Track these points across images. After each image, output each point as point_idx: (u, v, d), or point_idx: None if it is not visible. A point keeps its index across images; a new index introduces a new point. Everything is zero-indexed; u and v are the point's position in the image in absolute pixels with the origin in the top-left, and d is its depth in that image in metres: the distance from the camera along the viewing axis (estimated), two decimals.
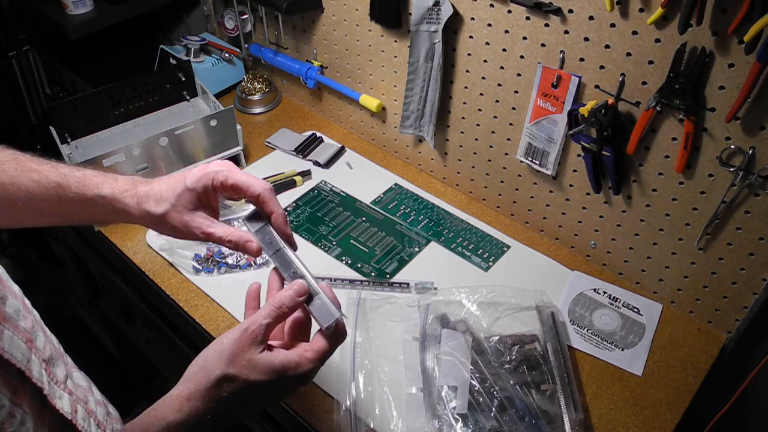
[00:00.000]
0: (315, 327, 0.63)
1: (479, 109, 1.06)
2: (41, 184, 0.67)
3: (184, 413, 0.56)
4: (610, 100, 0.85)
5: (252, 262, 1.03)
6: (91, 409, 0.54)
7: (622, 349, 0.92)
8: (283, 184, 1.17)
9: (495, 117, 1.04)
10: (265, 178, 1.17)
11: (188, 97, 1.31)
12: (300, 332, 0.63)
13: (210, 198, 0.69)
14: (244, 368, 0.56)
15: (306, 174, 1.20)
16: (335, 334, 0.61)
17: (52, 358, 0.51)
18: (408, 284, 0.98)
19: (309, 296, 0.61)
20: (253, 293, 0.65)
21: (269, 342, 0.58)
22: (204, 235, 0.68)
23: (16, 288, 0.51)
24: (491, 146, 1.08)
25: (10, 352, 0.44)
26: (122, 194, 0.68)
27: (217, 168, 0.67)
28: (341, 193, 1.18)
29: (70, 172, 0.69)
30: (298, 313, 0.62)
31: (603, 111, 0.86)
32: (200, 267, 1.01)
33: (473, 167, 1.14)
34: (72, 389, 0.52)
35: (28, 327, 0.48)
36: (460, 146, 1.14)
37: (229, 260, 1.02)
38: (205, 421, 0.56)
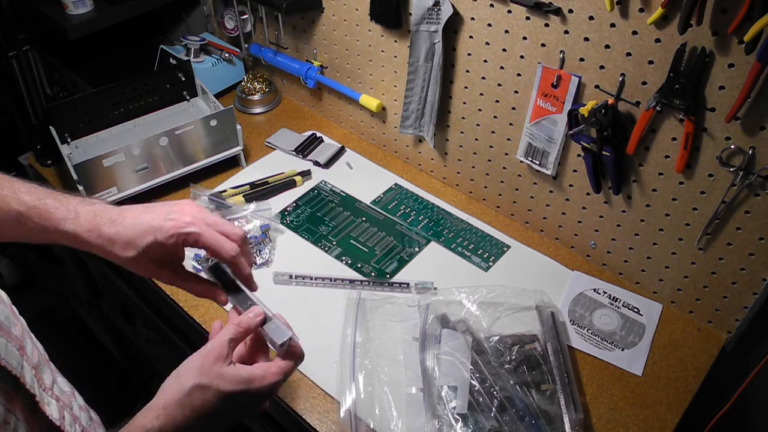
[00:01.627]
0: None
1: (479, 109, 1.06)
2: (2, 210, 0.66)
3: (161, 421, 0.59)
4: (610, 100, 0.85)
5: (252, 263, 1.03)
6: (76, 414, 0.55)
7: (622, 349, 0.92)
8: (283, 184, 1.17)
9: (495, 117, 1.04)
10: (265, 178, 1.18)
11: (188, 97, 1.31)
12: (260, 351, 0.67)
13: (179, 251, 0.69)
14: (214, 379, 0.59)
15: (306, 174, 1.20)
16: (293, 354, 0.65)
17: (40, 364, 0.52)
18: (408, 284, 0.98)
19: (264, 320, 0.66)
20: (216, 328, 0.68)
21: (233, 360, 0.62)
22: (175, 286, 0.72)
23: (4, 295, 0.51)
24: (491, 146, 1.08)
25: (6, 359, 0.44)
26: (85, 233, 0.67)
27: (188, 223, 0.67)
28: (341, 193, 1.18)
29: (32, 200, 0.66)
30: (257, 334, 0.66)
31: (603, 111, 0.86)
32: (200, 267, 1.01)
33: (473, 167, 1.14)
34: (59, 395, 0.53)
35: (18, 334, 0.48)
36: (460, 146, 1.14)
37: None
38: (180, 429, 0.59)
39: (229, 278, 0.72)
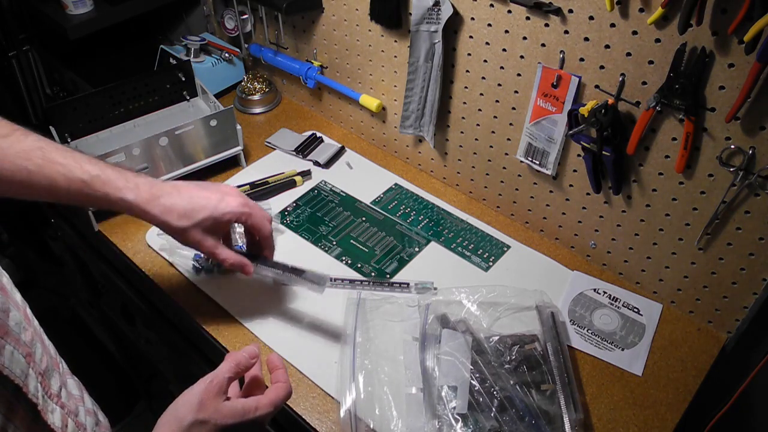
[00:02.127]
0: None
1: (479, 109, 1.06)
2: (67, 178, 0.72)
3: None
4: (610, 100, 0.85)
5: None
6: (81, 421, 0.55)
7: (622, 349, 0.92)
8: (283, 184, 1.17)
9: (495, 117, 1.04)
10: (265, 178, 1.18)
11: (188, 97, 1.31)
12: (255, 388, 0.71)
13: (226, 227, 0.83)
14: (212, 414, 0.62)
15: (306, 174, 1.20)
16: (282, 388, 0.68)
17: (48, 369, 0.52)
18: (408, 284, 0.98)
19: (300, 270, 0.86)
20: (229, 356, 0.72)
21: (228, 395, 0.66)
22: (211, 255, 0.82)
23: (18, 297, 0.51)
24: (491, 146, 1.08)
25: (10, 368, 0.45)
26: (145, 203, 0.76)
27: (243, 205, 0.81)
28: (341, 193, 1.18)
29: (94, 169, 0.74)
30: (253, 371, 0.71)
31: (603, 111, 0.86)
32: (200, 266, 1.01)
33: (473, 167, 1.14)
34: (65, 401, 0.53)
35: (28, 340, 0.48)
36: (460, 146, 1.14)
37: None
38: None
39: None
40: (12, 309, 0.47)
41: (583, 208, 1.02)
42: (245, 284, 0.99)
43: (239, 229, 0.94)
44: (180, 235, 0.79)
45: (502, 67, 0.98)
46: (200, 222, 0.78)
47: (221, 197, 0.80)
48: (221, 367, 0.67)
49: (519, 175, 1.07)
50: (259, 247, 0.88)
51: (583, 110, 0.88)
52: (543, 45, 0.91)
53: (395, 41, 1.11)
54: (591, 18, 0.83)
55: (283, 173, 1.20)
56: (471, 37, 0.99)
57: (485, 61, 1.00)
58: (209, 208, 0.78)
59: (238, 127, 1.17)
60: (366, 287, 0.98)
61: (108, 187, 0.75)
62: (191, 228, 0.78)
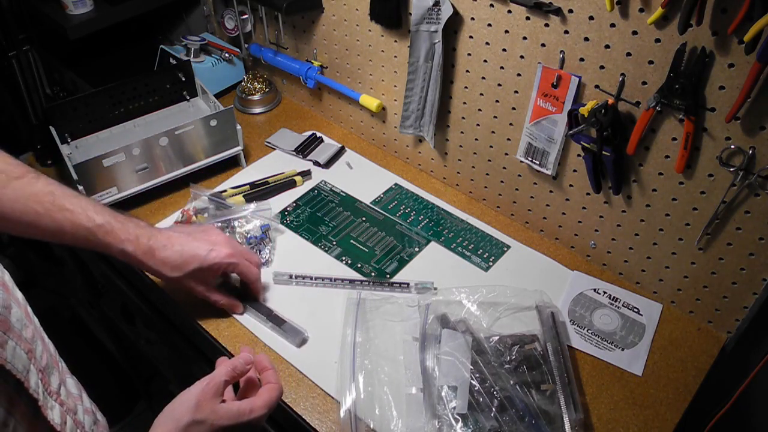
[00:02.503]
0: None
1: (479, 109, 1.06)
2: (73, 224, 0.78)
3: None
4: (610, 100, 0.85)
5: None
6: (79, 420, 0.56)
7: (622, 349, 0.92)
8: (283, 184, 1.17)
9: (495, 117, 1.04)
10: (265, 178, 1.18)
11: (188, 97, 1.31)
12: (251, 390, 0.74)
13: (215, 275, 0.89)
14: (209, 415, 0.64)
15: (306, 174, 1.20)
16: (275, 389, 0.72)
17: (48, 367, 0.52)
18: (408, 284, 0.98)
19: (281, 320, 0.93)
20: (221, 361, 0.75)
21: (224, 398, 0.69)
22: (204, 299, 0.91)
23: (20, 295, 0.51)
24: (491, 146, 1.08)
25: (12, 363, 0.45)
26: (142, 255, 0.83)
27: (230, 255, 0.87)
28: (341, 193, 1.18)
29: (98, 218, 0.80)
30: (249, 374, 0.74)
31: (603, 111, 0.86)
32: None
33: (473, 167, 1.14)
34: (64, 399, 0.54)
35: (29, 337, 0.49)
36: (460, 146, 1.14)
37: None
38: None
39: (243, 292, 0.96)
40: (14, 306, 0.48)
41: (583, 208, 1.02)
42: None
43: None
44: (173, 284, 0.87)
45: (502, 67, 0.98)
46: (191, 273, 0.86)
47: (210, 248, 0.86)
48: (218, 371, 0.69)
49: (519, 175, 1.07)
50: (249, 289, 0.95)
51: (583, 110, 0.88)
52: (543, 45, 0.91)
53: (395, 41, 1.11)
54: (591, 18, 0.83)
55: (283, 173, 1.20)
56: (471, 37, 0.99)
57: (485, 61, 1.00)
58: (198, 259, 0.85)
59: (238, 127, 1.17)
60: (366, 287, 0.98)
61: (110, 238, 0.81)
62: (183, 278, 0.86)
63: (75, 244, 0.81)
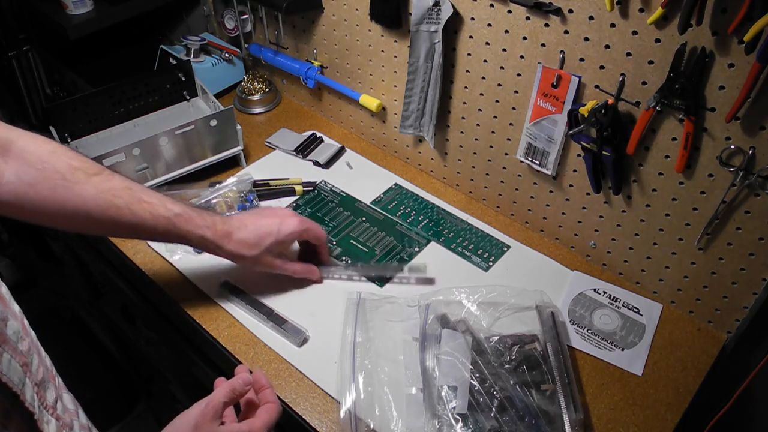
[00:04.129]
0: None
1: (479, 109, 1.06)
2: (153, 215, 0.80)
3: None
4: (610, 100, 0.85)
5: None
6: None
7: (622, 349, 0.92)
8: (282, 191, 1.16)
9: (495, 117, 1.04)
10: (266, 180, 1.18)
11: (188, 97, 1.31)
12: (250, 411, 0.73)
13: (289, 245, 0.94)
14: None
15: (309, 185, 1.18)
16: (273, 410, 0.71)
17: (44, 381, 0.52)
18: (402, 268, 1.00)
19: (282, 320, 0.93)
20: (219, 382, 0.74)
21: (223, 419, 0.69)
22: (282, 272, 0.93)
23: (17, 308, 0.51)
24: (491, 146, 1.08)
25: (8, 376, 0.44)
26: (221, 239, 0.86)
27: (301, 222, 0.92)
28: (341, 193, 1.18)
29: (176, 208, 0.83)
30: (248, 395, 0.73)
31: (603, 111, 0.86)
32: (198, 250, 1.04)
33: (473, 167, 1.14)
34: (60, 414, 0.53)
35: (25, 350, 0.48)
36: (460, 146, 1.14)
37: None
38: None
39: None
40: (10, 318, 0.47)
41: (583, 208, 1.02)
42: (244, 283, 0.99)
43: None
44: (253, 262, 0.89)
45: (502, 67, 0.98)
46: (268, 247, 0.88)
47: (281, 221, 0.90)
48: (216, 392, 0.68)
49: (519, 175, 1.07)
50: (314, 254, 0.99)
51: (583, 110, 0.88)
52: (543, 45, 0.91)
53: (395, 41, 1.11)
54: (591, 18, 0.83)
55: (288, 179, 1.19)
56: (471, 37, 0.99)
57: (485, 61, 1.00)
58: (273, 233, 0.88)
59: (238, 127, 1.17)
60: (359, 271, 1.01)
61: (190, 225, 0.83)
62: (261, 254, 0.88)
63: (154, 236, 0.83)
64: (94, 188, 0.77)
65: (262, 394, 0.72)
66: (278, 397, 0.73)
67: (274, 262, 0.91)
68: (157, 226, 0.81)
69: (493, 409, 0.79)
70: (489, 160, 1.11)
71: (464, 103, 1.07)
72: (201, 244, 0.86)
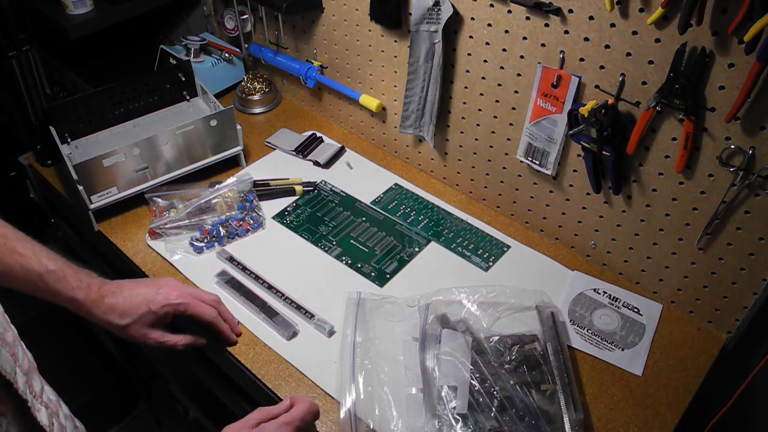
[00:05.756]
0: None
1: (479, 109, 1.06)
2: (24, 268, 0.77)
3: None
4: (610, 100, 0.85)
5: (248, 228, 1.08)
6: (62, 423, 0.56)
7: (622, 349, 0.92)
8: (282, 191, 1.16)
9: (495, 117, 1.04)
10: (264, 180, 1.18)
11: (188, 97, 1.30)
12: None
13: (166, 319, 0.86)
14: None
15: (309, 185, 1.18)
16: (308, 403, 0.73)
17: (30, 372, 0.52)
18: (313, 315, 0.95)
19: (274, 312, 0.93)
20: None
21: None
22: (159, 345, 0.86)
23: None
24: (491, 146, 1.08)
25: (1, 364, 0.45)
26: (92, 303, 0.81)
27: (178, 296, 0.85)
28: (341, 193, 1.18)
29: (51, 264, 0.79)
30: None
31: (603, 111, 0.86)
32: (200, 246, 1.05)
33: (473, 167, 1.14)
34: (47, 402, 0.54)
35: (11, 341, 0.49)
36: (460, 146, 1.14)
37: (223, 231, 1.07)
38: None
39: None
40: None
41: (583, 208, 1.02)
42: (244, 282, 0.99)
43: None
44: (122, 331, 0.84)
45: (502, 67, 0.98)
46: (140, 318, 0.83)
47: (157, 291, 0.84)
48: (254, 414, 0.71)
49: (519, 175, 1.07)
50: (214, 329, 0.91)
51: (583, 110, 0.88)
52: (543, 45, 0.91)
53: (395, 41, 1.11)
54: (591, 18, 0.83)
55: (288, 179, 1.19)
56: (471, 37, 0.99)
57: (485, 61, 1.00)
58: (146, 302, 0.83)
59: (238, 127, 1.17)
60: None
61: (60, 284, 0.80)
62: (132, 325, 0.83)
63: (22, 289, 0.79)
64: None
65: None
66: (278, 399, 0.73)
67: (150, 334, 0.85)
68: (25, 280, 0.77)
69: (493, 409, 0.79)
70: (489, 160, 1.11)
71: (464, 103, 1.07)
72: (72, 306, 0.82)
